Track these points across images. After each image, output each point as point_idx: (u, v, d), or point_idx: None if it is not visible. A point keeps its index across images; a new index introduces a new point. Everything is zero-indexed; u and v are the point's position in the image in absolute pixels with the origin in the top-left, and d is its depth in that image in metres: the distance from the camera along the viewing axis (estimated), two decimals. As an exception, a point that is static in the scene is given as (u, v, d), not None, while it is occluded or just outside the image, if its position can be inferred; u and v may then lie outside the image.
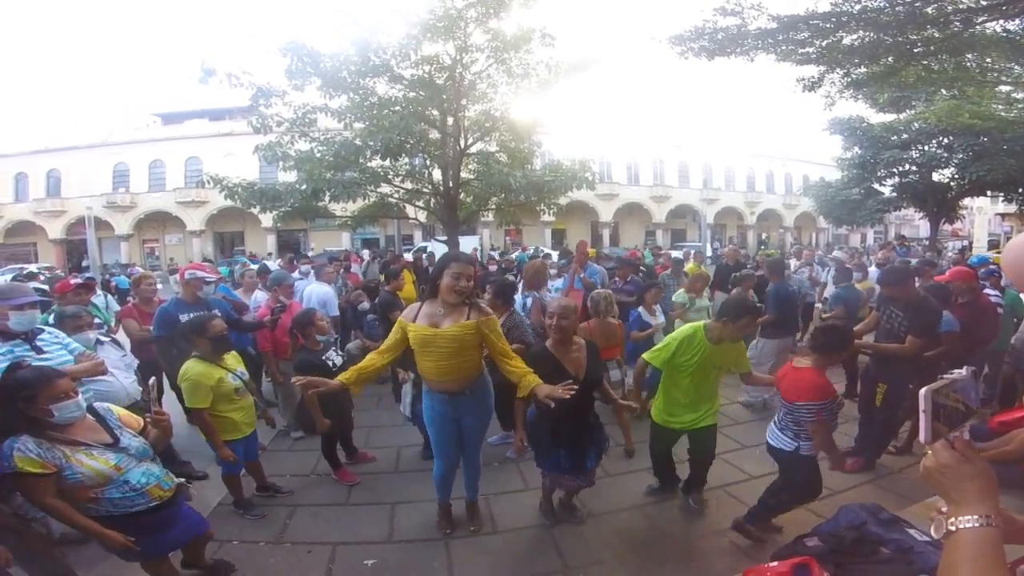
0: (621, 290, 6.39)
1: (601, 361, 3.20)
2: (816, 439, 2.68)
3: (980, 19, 8.19)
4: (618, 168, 36.10)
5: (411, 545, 3.12)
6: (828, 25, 8.51)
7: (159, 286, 5.18)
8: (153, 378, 2.91)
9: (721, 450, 3.94)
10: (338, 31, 8.87)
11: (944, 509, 0.90)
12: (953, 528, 0.85)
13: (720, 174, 39.66)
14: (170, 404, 4.08)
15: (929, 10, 7.93)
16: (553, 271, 7.45)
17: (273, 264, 11.63)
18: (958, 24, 8.22)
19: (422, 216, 13.12)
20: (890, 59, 9.33)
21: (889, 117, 18.16)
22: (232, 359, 3.38)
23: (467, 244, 16.70)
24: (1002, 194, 18.23)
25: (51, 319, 3.46)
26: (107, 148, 31.63)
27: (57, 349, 2.85)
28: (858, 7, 8.04)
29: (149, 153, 31.73)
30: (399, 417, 4.42)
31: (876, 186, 19.90)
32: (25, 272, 17.21)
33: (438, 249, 12.08)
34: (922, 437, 0.91)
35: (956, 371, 0.97)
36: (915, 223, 39.31)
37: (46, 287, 7.29)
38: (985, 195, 19.42)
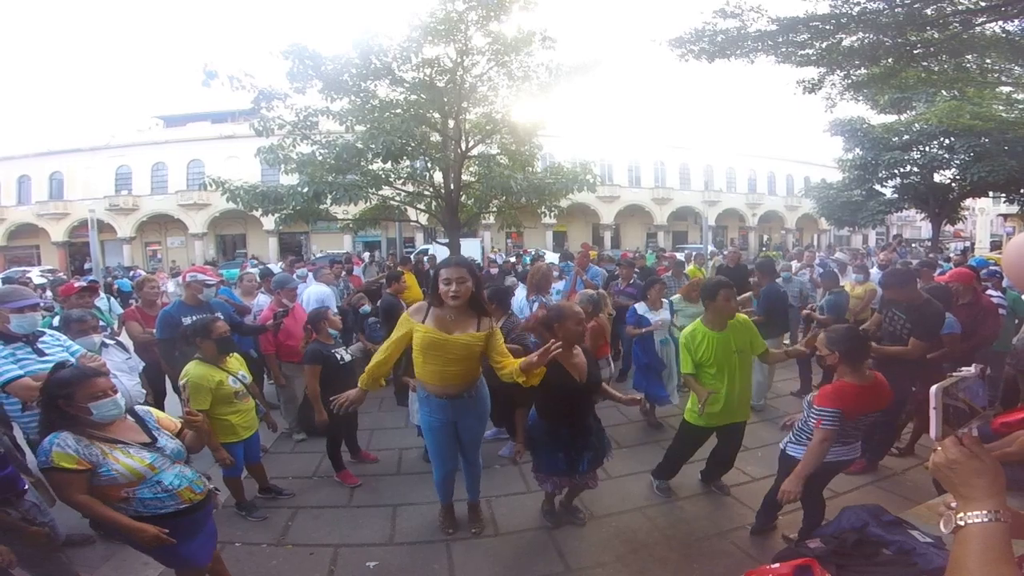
0: (623, 292, 6.39)
1: (596, 362, 3.22)
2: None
3: (980, 20, 8.18)
4: (619, 170, 36.11)
5: (413, 547, 3.12)
6: (828, 27, 8.50)
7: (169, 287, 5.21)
8: (184, 380, 2.94)
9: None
10: (339, 34, 8.91)
11: (953, 504, 0.92)
12: (962, 523, 0.87)
13: (721, 176, 39.65)
14: (172, 406, 4.13)
15: (928, 11, 7.92)
16: (555, 273, 7.45)
17: (276, 267, 11.66)
18: (958, 25, 8.21)
19: (423, 219, 13.14)
20: (890, 61, 9.31)
21: (890, 118, 18.13)
22: (235, 361, 3.40)
23: (468, 247, 16.70)
24: (1004, 195, 18.17)
25: (55, 322, 3.47)
26: (110, 151, 31.74)
27: (59, 351, 2.86)
28: (857, 9, 8.04)
29: (151, 156, 31.80)
30: (401, 420, 4.43)
31: (877, 187, 19.85)
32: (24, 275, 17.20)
33: (439, 252, 12.10)
34: (932, 433, 0.92)
35: (964, 369, 0.98)
36: (917, 224, 39.26)
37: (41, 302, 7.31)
38: (987, 196, 19.37)
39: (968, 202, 21.43)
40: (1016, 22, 8.29)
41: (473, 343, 2.76)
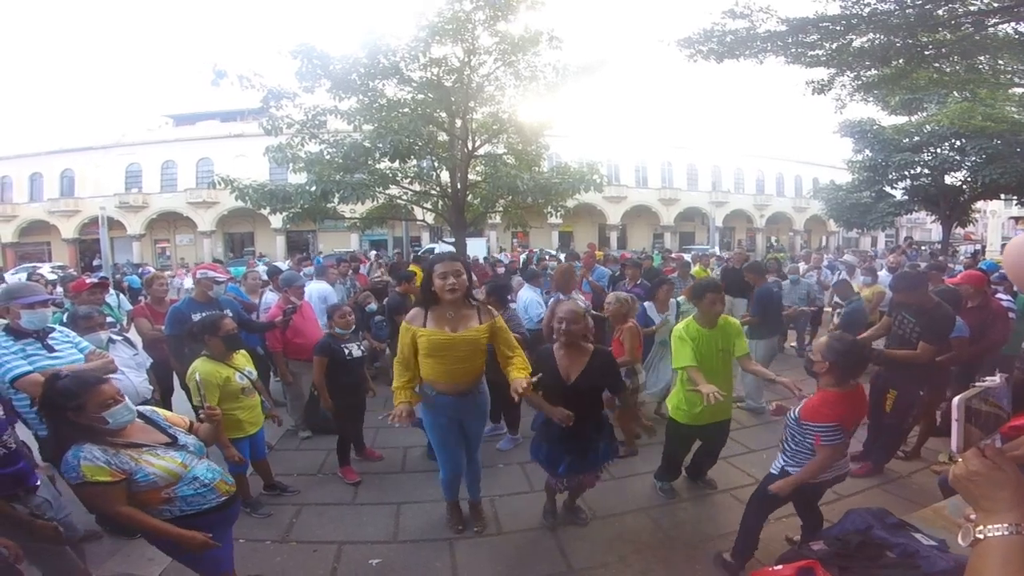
0: (629, 292, 6.38)
1: (612, 370, 3.09)
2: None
3: (992, 21, 8.10)
4: (626, 170, 36.01)
5: (416, 545, 3.13)
6: (838, 28, 8.45)
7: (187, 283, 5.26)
8: (197, 375, 2.96)
9: (727, 454, 3.94)
10: (347, 33, 8.95)
11: (972, 516, 0.90)
12: (981, 536, 0.85)
13: (729, 176, 39.45)
14: (180, 402, 4.17)
15: (940, 12, 7.86)
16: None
17: (283, 265, 11.73)
18: (970, 26, 8.14)
19: (430, 218, 13.18)
20: (901, 61, 9.24)
21: (901, 119, 18.00)
22: (241, 358, 3.42)
23: (474, 246, 16.73)
24: (1016, 197, 17.99)
25: (64, 318, 3.51)
26: (120, 149, 32.08)
27: (68, 348, 2.89)
28: (868, 9, 7.98)
29: (161, 154, 32.12)
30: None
31: (887, 189, 19.70)
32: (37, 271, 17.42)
33: (445, 251, 12.10)
34: (953, 446, 0.91)
35: (989, 378, 0.97)
36: (927, 227, 38.91)
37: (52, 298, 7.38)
38: (998, 198, 19.21)
39: (979, 204, 21.24)
40: (1029, 23, 8.20)
41: (479, 337, 2.77)
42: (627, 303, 4.32)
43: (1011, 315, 4.45)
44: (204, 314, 3.84)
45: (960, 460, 0.92)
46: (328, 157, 9.61)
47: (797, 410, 2.53)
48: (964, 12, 7.86)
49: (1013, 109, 14.80)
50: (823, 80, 10.23)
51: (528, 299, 5.63)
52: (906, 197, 19.37)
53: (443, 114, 9.93)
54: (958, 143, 16.58)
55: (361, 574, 2.89)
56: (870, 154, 18.57)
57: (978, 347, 3.97)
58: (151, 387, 3.35)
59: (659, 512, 3.46)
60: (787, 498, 2.58)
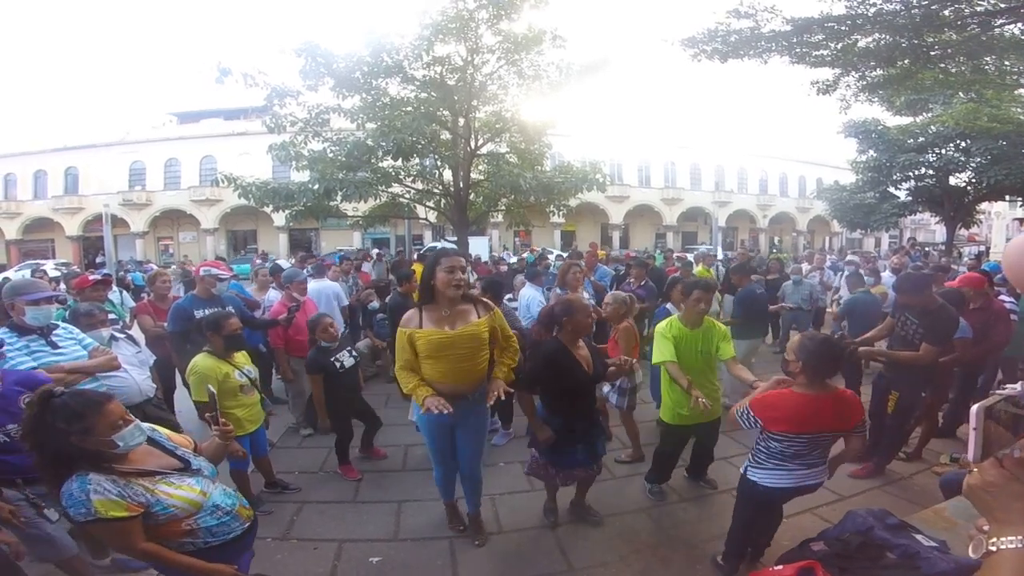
0: (634, 292, 6.37)
1: (600, 356, 3.18)
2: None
3: (999, 22, 8.07)
4: (629, 170, 35.98)
5: (417, 543, 3.14)
6: (843, 28, 8.43)
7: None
8: (212, 390, 2.94)
9: (727, 454, 3.95)
10: (351, 32, 8.99)
11: (985, 528, 0.88)
12: (994, 548, 0.83)
13: (732, 176, 39.36)
14: (182, 400, 4.18)
15: (946, 12, 7.83)
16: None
17: (286, 263, 11.75)
18: (976, 27, 8.10)
19: (432, 216, 13.18)
20: (906, 62, 9.21)
21: (905, 120, 17.90)
22: (241, 356, 3.43)
23: (476, 245, 16.72)
24: (1021, 199, 17.91)
25: (66, 315, 3.51)
26: (124, 146, 32.23)
27: (71, 345, 2.89)
28: (873, 10, 7.95)
29: (165, 152, 32.24)
30: (406, 416, 4.43)
31: (891, 190, 19.59)
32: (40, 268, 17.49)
33: (449, 247, 12.12)
34: (970, 455, 0.89)
35: (1010, 386, 0.96)
36: (931, 228, 38.76)
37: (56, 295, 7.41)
38: (1003, 199, 19.10)
39: (984, 206, 21.12)
40: (1036, 24, 8.17)
41: (479, 331, 2.68)
42: (625, 304, 4.27)
43: (1013, 317, 4.43)
44: (207, 311, 3.85)
45: (976, 470, 0.90)
46: (331, 155, 9.65)
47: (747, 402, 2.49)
48: (970, 13, 7.83)
49: (1019, 110, 14.73)
50: (828, 80, 10.20)
51: (530, 297, 5.62)
52: (910, 198, 19.26)
53: (446, 113, 9.95)
54: (963, 144, 16.48)
55: (361, 572, 2.89)
56: (874, 154, 18.48)
57: (980, 348, 3.95)
58: (154, 385, 3.35)
59: (659, 512, 3.46)
60: (761, 502, 2.56)
